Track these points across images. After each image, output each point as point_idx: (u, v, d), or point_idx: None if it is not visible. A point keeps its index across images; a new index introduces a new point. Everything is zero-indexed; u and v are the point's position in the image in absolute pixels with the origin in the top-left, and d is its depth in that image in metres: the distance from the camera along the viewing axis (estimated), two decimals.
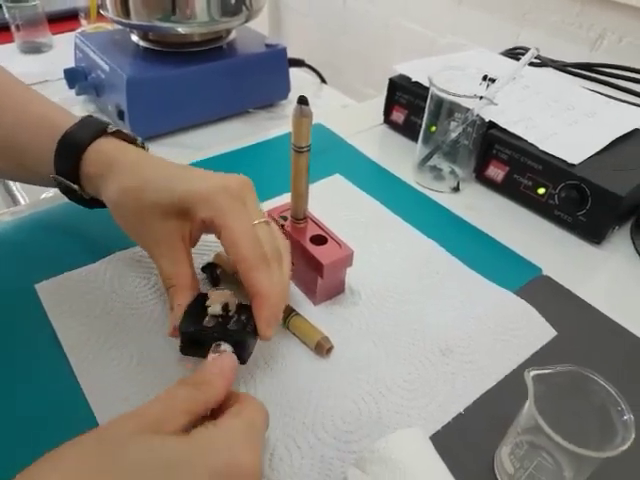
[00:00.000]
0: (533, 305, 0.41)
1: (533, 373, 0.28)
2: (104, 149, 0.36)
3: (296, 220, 0.40)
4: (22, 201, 0.62)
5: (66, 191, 0.39)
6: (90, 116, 0.38)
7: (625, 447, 0.25)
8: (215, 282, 0.41)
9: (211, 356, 0.30)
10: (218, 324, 0.32)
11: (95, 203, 0.39)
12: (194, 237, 0.36)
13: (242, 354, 0.31)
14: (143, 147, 0.40)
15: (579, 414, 0.29)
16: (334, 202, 0.52)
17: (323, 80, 0.86)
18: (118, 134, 0.38)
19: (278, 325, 0.39)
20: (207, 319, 0.32)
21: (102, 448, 0.23)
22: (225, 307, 0.32)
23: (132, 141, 0.39)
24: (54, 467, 0.22)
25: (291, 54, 0.81)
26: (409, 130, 0.63)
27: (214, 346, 0.30)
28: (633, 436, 0.26)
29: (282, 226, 0.41)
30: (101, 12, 0.68)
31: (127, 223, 0.36)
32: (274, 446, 0.31)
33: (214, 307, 0.32)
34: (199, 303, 0.33)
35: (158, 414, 0.24)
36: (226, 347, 0.30)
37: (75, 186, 0.37)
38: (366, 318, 0.40)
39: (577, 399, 0.29)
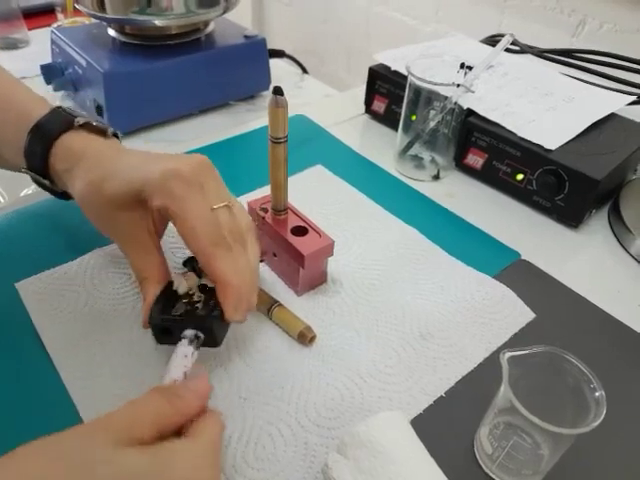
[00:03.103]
0: (511, 289, 0.42)
1: (508, 355, 0.29)
2: (71, 144, 0.35)
3: (276, 211, 0.41)
4: (1, 199, 0.61)
5: (38, 184, 0.38)
6: (60, 107, 0.37)
7: (597, 423, 0.26)
8: (198, 275, 0.41)
9: (180, 344, 0.30)
10: (186, 311, 0.32)
11: (68, 196, 0.39)
12: (158, 227, 0.36)
13: (214, 339, 0.31)
14: (116, 136, 0.39)
15: (554, 393, 0.30)
16: (316, 193, 0.52)
17: (305, 70, 0.85)
18: (86, 126, 0.37)
19: (259, 311, 0.39)
20: (176, 307, 0.32)
21: (66, 464, 0.22)
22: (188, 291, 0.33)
23: (102, 132, 0.37)
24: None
25: (275, 44, 0.80)
26: (390, 119, 0.63)
27: (183, 334, 0.31)
28: (604, 411, 0.27)
29: (263, 218, 0.41)
30: (76, 6, 0.67)
31: (94, 217, 0.35)
32: (257, 435, 0.32)
33: (180, 288, 0.32)
34: (168, 291, 0.33)
35: (125, 423, 0.24)
36: (193, 334, 0.31)
37: (46, 181, 0.37)
38: (348, 306, 0.41)
39: (552, 378, 0.30)
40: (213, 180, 0.33)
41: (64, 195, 0.39)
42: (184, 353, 0.30)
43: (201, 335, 0.31)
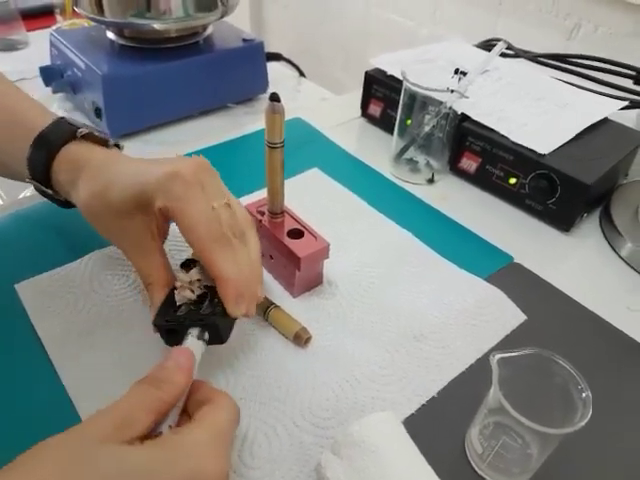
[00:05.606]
0: (504, 291, 0.43)
1: (498, 356, 0.29)
2: (73, 155, 0.36)
3: (273, 214, 0.41)
4: (0, 201, 0.62)
5: (41, 193, 0.39)
6: (62, 118, 0.38)
7: (583, 423, 0.27)
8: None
9: (186, 341, 0.31)
10: (190, 311, 0.33)
11: (71, 204, 0.39)
12: (162, 230, 0.37)
13: (219, 335, 0.32)
14: (117, 146, 0.40)
15: (543, 393, 0.30)
16: (312, 196, 0.53)
17: (302, 74, 0.86)
18: (88, 137, 0.37)
19: (258, 306, 0.39)
20: (181, 308, 0.33)
21: (70, 462, 0.23)
22: (193, 290, 0.33)
23: (103, 142, 0.38)
24: None
25: (272, 46, 0.81)
26: (386, 123, 0.64)
27: (188, 333, 0.31)
28: (590, 412, 0.27)
29: (260, 221, 0.42)
30: (75, 9, 0.67)
31: (99, 225, 0.36)
32: (254, 434, 0.32)
33: (181, 295, 0.33)
34: (173, 294, 0.34)
35: (123, 417, 0.25)
36: (197, 332, 0.31)
37: (49, 191, 0.38)
38: (343, 308, 0.41)
39: (541, 379, 0.30)
40: (212, 179, 0.34)
41: (67, 204, 0.40)
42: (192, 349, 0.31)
43: (205, 332, 0.32)
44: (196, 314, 0.33)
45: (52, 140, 0.36)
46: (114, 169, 0.35)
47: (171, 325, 0.32)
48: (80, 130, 0.37)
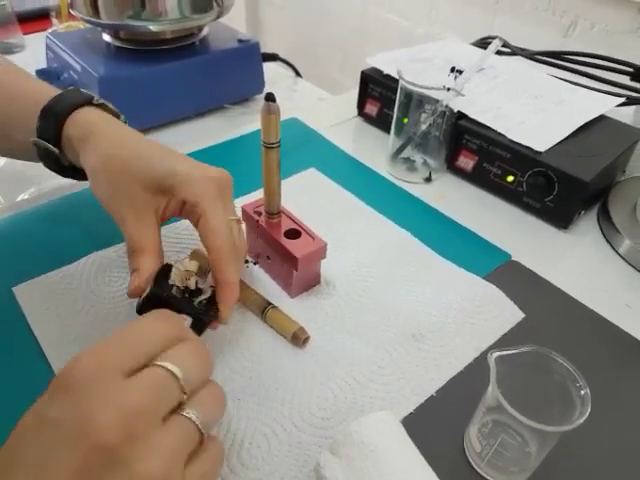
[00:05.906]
0: (502, 289, 0.43)
1: (496, 355, 0.29)
2: (88, 115, 0.38)
3: (270, 215, 0.41)
4: None
5: (45, 157, 0.40)
6: (77, 88, 0.40)
7: (582, 420, 0.27)
8: None
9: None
10: (184, 298, 0.33)
11: (70, 173, 0.41)
12: (167, 214, 0.37)
13: (201, 331, 0.33)
14: (126, 123, 0.41)
15: (541, 391, 0.30)
16: (309, 196, 0.53)
17: (298, 74, 0.86)
18: (103, 107, 0.40)
19: (253, 313, 0.41)
20: (174, 289, 0.33)
21: None
22: (196, 283, 0.34)
23: (116, 115, 0.40)
24: None
25: (269, 47, 0.81)
26: (382, 122, 0.64)
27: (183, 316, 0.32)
28: (589, 409, 0.27)
29: (257, 221, 0.42)
30: (71, 12, 0.67)
31: (103, 188, 0.36)
32: (252, 435, 0.32)
33: (184, 280, 0.33)
34: (163, 274, 0.34)
35: None
36: (190, 322, 0.32)
37: (55, 150, 0.38)
38: (341, 308, 0.41)
39: (539, 377, 0.30)
40: (230, 195, 0.37)
41: (67, 171, 0.41)
42: None
43: (196, 325, 0.32)
44: (193, 305, 0.33)
45: (67, 101, 0.38)
46: (137, 142, 0.37)
47: (169, 302, 0.32)
48: (96, 98, 0.39)
